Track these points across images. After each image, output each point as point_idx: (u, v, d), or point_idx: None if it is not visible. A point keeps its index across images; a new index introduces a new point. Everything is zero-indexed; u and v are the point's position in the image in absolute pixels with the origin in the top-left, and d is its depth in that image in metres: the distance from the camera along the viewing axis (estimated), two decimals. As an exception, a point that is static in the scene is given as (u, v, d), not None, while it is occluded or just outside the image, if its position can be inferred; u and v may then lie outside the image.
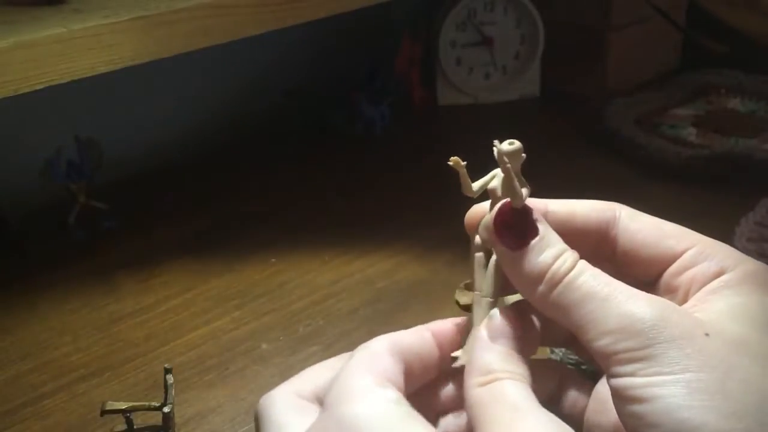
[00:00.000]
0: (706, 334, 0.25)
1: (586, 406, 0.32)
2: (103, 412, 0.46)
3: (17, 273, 0.65)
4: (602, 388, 0.31)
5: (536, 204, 0.30)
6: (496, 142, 0.28)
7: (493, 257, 0.30)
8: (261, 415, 0.29)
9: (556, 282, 0.27)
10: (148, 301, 0.61)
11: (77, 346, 0.56)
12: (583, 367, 0.39)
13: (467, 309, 0.31)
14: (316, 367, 0.31)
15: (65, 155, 0.68)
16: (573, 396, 0.33)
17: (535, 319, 0.30)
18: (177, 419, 0.48)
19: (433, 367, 0.31)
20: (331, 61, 0.93)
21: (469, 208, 0.32)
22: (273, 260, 0.65)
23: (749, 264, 0.28)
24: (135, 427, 0.47)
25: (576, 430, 0.26)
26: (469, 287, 0.31)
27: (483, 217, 0.30)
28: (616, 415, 0.26)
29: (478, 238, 0.31)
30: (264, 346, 0.55)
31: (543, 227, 0.28)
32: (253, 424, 0.47)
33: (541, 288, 0.27)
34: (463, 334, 0.31)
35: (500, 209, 0.28)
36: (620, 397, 0.25)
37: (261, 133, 0.88)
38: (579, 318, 0.26)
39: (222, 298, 0.61)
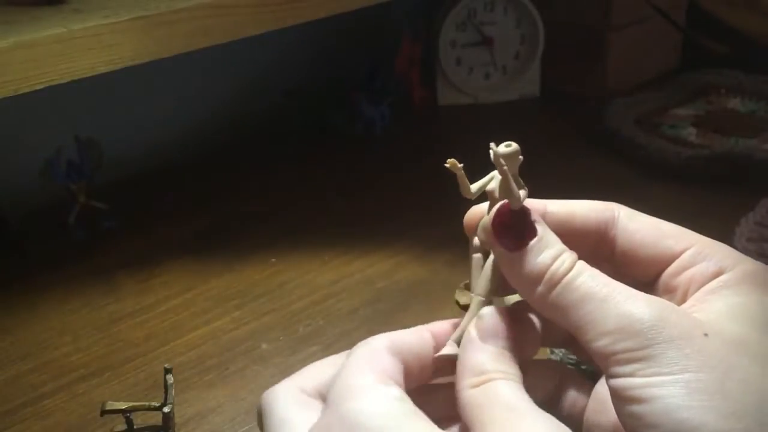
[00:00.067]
0: (705, 335, 0.25)
1: (585, 406, 0.32)
2: (103, 412, 0.46)
3: (17, 273, 0.65)
4: (602, 388, 0.31)
5: (535, 204, 0.30)
6: (492, 144, 0.28)
7: (490, 258, 0.30)
8: (264, 409, 0.29)
9: (554, 283, 0.27)
10: (148, 301, 0.61)
11: (77, 346, 0.56)
12: (583, 367, 0.39)
13: (467, 309, 0.31)
14: (319, 364, 0.31)
15: (65, 155, 0.68)
16: (573, 396, 0.33)
17: (534, 319, 0.30)
18: (177, 419, 0.48)
19: (431, 367, 0.31)
20: (331, 61, 0.93)
21: (468, 208, 0.32)
22: (273, 260, 0.65)
23: (748, 264, 0.28)
24: (135, 427, 0.47)
25: (576, 430, 0.26)
26: (469, 287, 0.31)
27: (482, 218, 0.30)
28: (616, 415, 0.26)
29: (476, 239, 0.31)
30: (264, 346, 0.55)
31: (541, 228, 0.28)
32: (253, 424, 0.48)
33: (540, 289, 0.27)
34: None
35: (498, 211, 0.28)
36: (619, 398, 0.25)
37: (261, 133, 0.88)
38: (578, 319, 0.26)
39: (222, 298, 0.61)
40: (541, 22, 0.91)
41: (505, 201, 0.29)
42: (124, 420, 0.47)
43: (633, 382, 0.24)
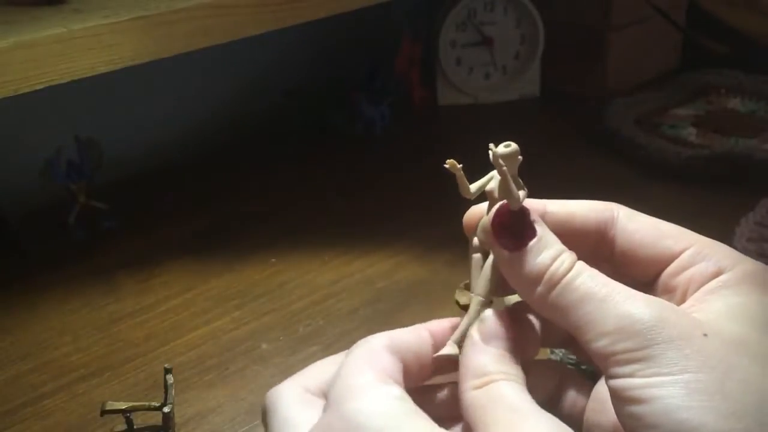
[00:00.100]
0: (705, 335, 0.25)
1: (585, 406, 0.32)
2: (103, 412, 0.46)
3: (17, 273, 0.65)
4: (602, 388, 0.31)
5: (534, 205, 0.30)
6: (491, 145, 0.28)
7: (489, 258, 0.30)
8: (268, 408, 0.29)
9: (554, 283, 0.27)
10: (148, 301, 0.61)
11: (77, 346, 0.56)
12: (583, 367, 0.39)
13: (467, 309, 0.31)
14: (322, 363, 0.31)
15: (65, 155, 0.68)
16: (573, 396, 0.33)
17: (534, 320, 0.30)
18: (177, 419, 0.48)
19: (430, 366, 0.31)
20: (331, 61, 0.93)
21: (468, 208, 0.32)
22: (273, 260, 0.65)
23: (747, 264, 0.28)
24: (135, 427, 0.47)
25: (576, 430, 0.26)
26: (469, 287, 0.31)
27: (481, 218, 0.30)
28: (616, 416, 0.26)
29: (476, 240, 0.31)
30: (264, 346, 0.55)
31: (540, 228, 0.28)
32: (253, 424, 0.48)
33: (540, 289, 0.27)
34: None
35: (498, 211, 0.28)
36: (619, 398, 0.25)
37: (261, 133, 0.88)
38: (577, 319, 0.26)
39: (222, 298, 0.61)
40: (541, 22, 0.91)
41: (505, 201, 0.29)
42: (124, 420, 0.47)
43: (632, 382, 0.24)
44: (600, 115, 0.83)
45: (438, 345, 0.31)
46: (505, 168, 0.28)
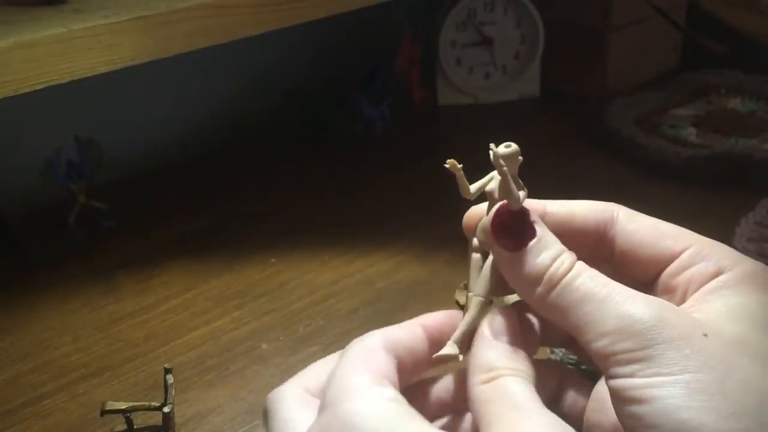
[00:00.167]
0: (705, 335, 0.25)
1: (585, 406, 0.32)
2: (103, 412, 0.46)
3: (17, 273, 0.65)
4: (602, 387, 0.31)
5: (534, 205, 0.30)
6: (492, 145, 0.28)
7: (489, 258, 0.30)
8: (269, 410, 0.29)
9: (554, 283, 0.27)
10: (148, 301, 0.61)
11: (77, 346, 0.56)
12: (583, 367, 0.39)
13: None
14: (323, 363, 0.31)
15: (65, 155, 0.68)
16: (573, 396, 0.33)
17: (533, 319, 0.30)
18: (177, 419, 0.48)
19: (425, 362, 0.31)
20: (331, 61, 0.93)
21: (468, 208, 0.32)
22: (273, 260, 0.65)
23: (747, 264, 0.28)
24: (135, 427, 0.47)
25: (576, 429, 0.26)
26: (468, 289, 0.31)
27: (481, 218, 0.30)
28: (616, 416, 0.26)
29: (475, 240, 0.31)
30: (264, 346, 0.55)
31: (540, 229, 0.28)
32: (253, 424, 0.48)
33: (539, 290, 0.27)
34: (453, 330, 0.31)
35: (497, 211, 0.28)
36: (619, 398, 0.25)
37: (261, 133, 0.88)
38: (577, 319, 0.26)
39: (222, 298, 0.61)
40: (541, 22, 0.91)
41: (505, 201, 0.29)
42: (124, 420, 0.47)
43: (633, 382, 0.24)
44: (600, 115, 0.83)
45: (432, 340, 0.31)
46: (505, 168, 0.28)
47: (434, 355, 0.30)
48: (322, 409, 0.27)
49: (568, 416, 0.32)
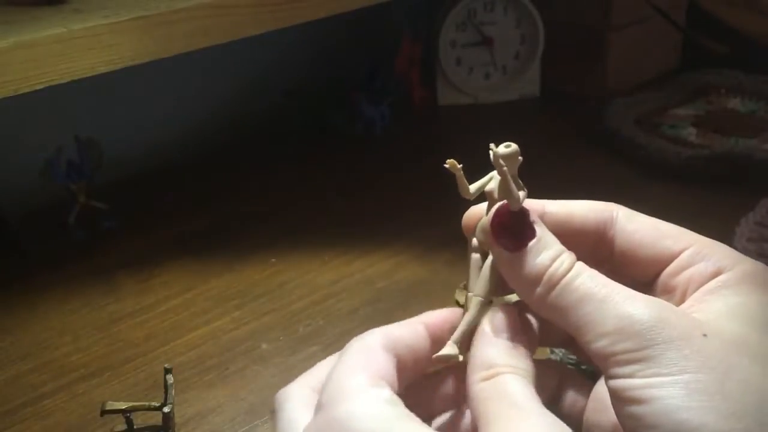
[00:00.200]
0: (704, 335, 0.25)
1: (585, 406, 0.32)
2: (103, 412, 0.46)
3: (17, 273, 0.66)
4: (601, 387, 0.31)
5: (533, 205, 0.30)
6: (492, 145, 0.28)
7: (489, 258, 0.30)
8: (276, 409, 0.29)
9: (553, 284, 0.27)
10: (148, 301, 0.61)
11: (77, 346, 0.56)
12: (583, 367, 0.39)
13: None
14: (329, 361, 0.31)
15: (65, 155, 0.68)
16: (572, 396, 0.33)
17: (532, 319, 0.30)
18: (177, 419, 0.48)
19: (426, 360, 0.31)
20: (331, 61, 0.93)
21: (468, 208, 0.32)
22: (273, 260, 0.65)
23: (747, 264, 0.28)
24: (135, 427, 0.47)
25: (575, 429, 0.26)
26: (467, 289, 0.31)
27: (480, 218, 0.30)
28: (616, 416, 0.26)
29: (475, 240, 0.31)
30: (264, 346, 0.55)
31: (540, 229, 0.28)
32: (253, 424, 0.48)
33: (539, 290, 0.27)
34: (453, 329, 0.31)
35: (497, 211, 0.28)
36: (619, 398, 0.25)
37: (261, 133, 0.88)
38: (577, 319, 0.26)
39: (222, 298, 0.61)
40: (541, 22, 0.91)
41: (504, 202, 0.29)
42: (124, 420, 0.47)
43: (632, 382, 0.24)
44: (600, 115, 0.83)
45: (434, 338, 0.31)
46: (505, 168, 0.28)
47: (434, 356, 0.30)
48: (318, 409, 0.27)
49: (568, 416, 0.32)
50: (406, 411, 0.26)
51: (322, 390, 0.28)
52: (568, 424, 0.25)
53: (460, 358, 0.30)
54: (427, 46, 0.93)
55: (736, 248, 0.29)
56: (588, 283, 0.26)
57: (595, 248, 0.30)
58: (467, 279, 0.31)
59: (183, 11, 0.53)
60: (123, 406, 0.47)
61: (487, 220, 0.29)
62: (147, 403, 0.47)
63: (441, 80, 0.94)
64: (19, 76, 0.47)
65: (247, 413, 0.49)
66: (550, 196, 0.31)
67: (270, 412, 0.30)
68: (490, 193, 0.30)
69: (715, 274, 0.27)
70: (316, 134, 0.88)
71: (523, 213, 0.28)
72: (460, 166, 0.29)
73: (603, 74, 0.92)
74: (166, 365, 0.48)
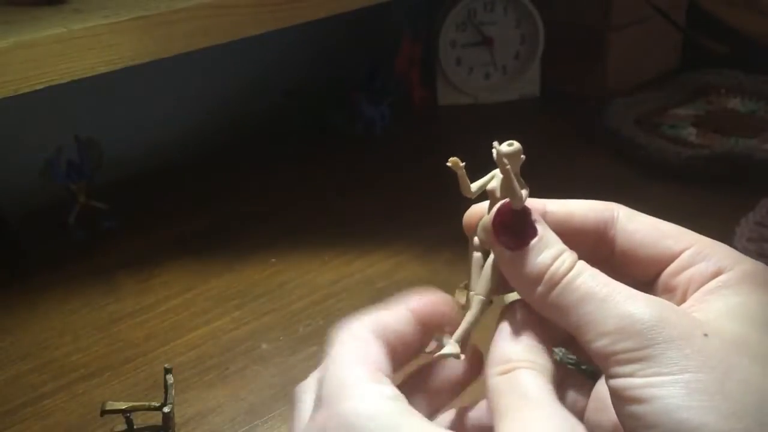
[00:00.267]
0: (705, 335, 0.25)
1: (585, 406, 0.32)
2: (103, 412, 0.46)
3: (17, 273, 0.65)
4: (602, 387, 0.31)
5: (534, 204, 0.30)
6: (495, 143, 0.28)
7: (490, 257, 0.30)
8: (295, 401, 0.29)
9: (554, 283, 0.27)
10: (148, 301, 0.61)
11: (77, 346, 0.56)
12: (583, 367, 0.39)
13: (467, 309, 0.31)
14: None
15: (65, 155, 0.68)
16: (573, 396, 0.32)
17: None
18: (177, 419, 0.48)
19: (415, 346, 0.30)
20: (331, 61, 0.93)
21: (469, 207, 0.32)
22: (273, 260, 0.65)
23: (747, 264, 0.28)
24: (135, 427, 0.47)
25: (576, 429, 0.26)
26: (469, 287, 0.31)
27: (481, 217, 0.30)
28: (616, 415, 0.26)
29: (476, 239, 0.31)
30: (264, 346, 0.55)
31: (542, 228, 0.28)
32: (253, 424, 0.48)
33: (540, 289, 0.27)
34: (447, 321, 0.31)
35: (499, 210, 0.28)
36: (619, 398, 0.25)
37: (261, 133, 0.88)
38: (578, 319, 0.26)
39: (222, 298, 0.61)
40: (541, 22, 0.91)
41: (506, 200, 0.28)
42: (124, 420, 0.47)
43: (633, 382, 0.24)
44: (600, 115, 0.83)
45: (421, 323, 0.31)
46: (508, 166, 0.28)
47: (435, 354, 0.30)
48: (318, 405, 0.27)
49: (568, 416, 0.32)
50: (410, 407, 0.26)
51: (321, 384, 0.28)
52: (578, 420, 0.25)
53: (461, 356, 0.30)
54: (427, 46, 0.93)
55: (736, 248, 0.29)
56: (589, 282, 0.26)
57: (595, 248, 0.30)
58: (468, 279, 0.31)
59: (183, 11, 0.53)
60: (123, 406, 0.47)
61: (488, 218, 0.29)
62: (147, 403, 0.47)
63: (441, 80, 0.94)
64: (19, 76, 0.47)
65: (247, 413, 0.49)
66: (550, 196, 0.31)
67: (290, 404, 0.30)
68: (492, 191, 0.30)
69: (716, 274, 0.27)
70: (316, 134, 0.88)
71: (525, 212, 0.28)
72: (462, 164, 0.29)
73: (603, 74, 0.92)
74: (166, 365, 0.48)
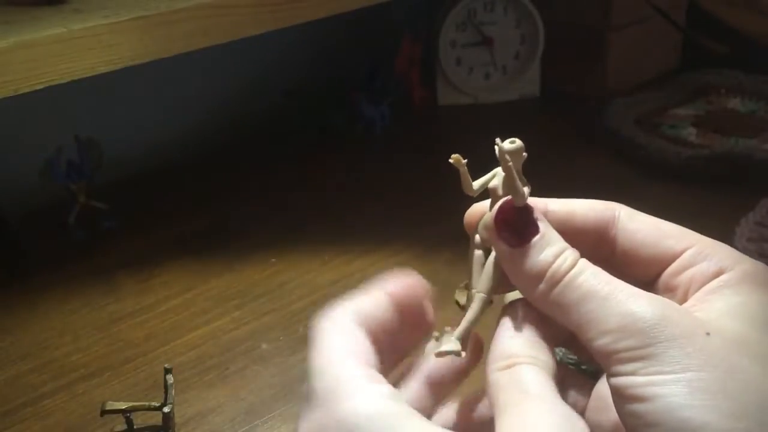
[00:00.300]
0: (707, 334, 0.25)
1: (586, 406, 0.32)
2: (103, 412, 0.46)
3: (17, 273, 0.65)
4: (602, 387, 0.31)
5: (536, 203, 0.30)
6: (497, 140, 0.28)
7: (492, 255, 0.30)
8: (317, 334, 0.29)
9: (556, 281, 0.27)
10: (148, 301, 0.61)
11: (77, 346, 0.56)
12: (583, 366, 0.39)
13: (467, 309, 0.31)
14: (373, 295, 0.30)
15: (65, 155, 0.68)
16: (573, 395, 0.32)
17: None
18: (177, 419, 0.48)
19: (394, 332, 0.30)
20: (331, 61, 0.93)
21: (469, 206, 0.32)
22: (273, 260, 0.65)
23: (748, 264, 0.28)
24: (135, 427, 0.47)
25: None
26: (469, 287, 0.31)
27: (482, 215, 0.30)
28: (617, 415, 0.26)
29: (477, 237, 0.31)
30: (264, 346, 0.55)
31: (543, 226, 0.28)
32: (253, 424, 0.48)
33: (542, 287, 0.27)
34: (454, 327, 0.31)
35: (501, 207, 0.28)
36: (620, 396, 0.25)
37: (261, 133, 0.88)
38: (579, 317, 0.26)
39: (222, 298, 0.61)
40: (541, 22, 0.91)
41: (508, 198, 0.28)
42: (124, 420, 0.47)
43: (634, 380, 0.24)
44: (600, 115, 0.83)
45: (399, 308, 0.31)
46: (511, 164, 0.28)
47: (435, 352, 0.30)
48: (313, 405, 0.27)
49: (569, 416, 0.32)
50: (409, 408, 0.26)
51: (309, 377, 0.27)
52: (579, 416, 0.25)
53: (462, 354, 0.30)
54: (427, 46, 0.93)
55: (736, 248, 0.29)
56: (591, 280, 0.26)
57: (596, 247, 0.30)
58: (468, 278, 0.31)
59: (183, 11, 0.53)
60: (123, 406, 0.47)
61: (490, 216, 0.29)
62: (147, 403, 0.47)
63: (441, 80, 0.94)
64: (19, 76, 0.47)
65: (247, 413, 0.49)
66: (550, 196, 0.31)
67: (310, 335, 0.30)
68: (494, 189, 0.30)
69: (717, 274, 0.27)
70: (316, 134, 0.88)
71: (527, 209, 0.28)
72: (464, 161, 0.29)
73: (603, 74, 0.92)
74: (166, 365, 0.48)
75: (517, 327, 0.28)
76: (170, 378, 0.47)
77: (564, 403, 0.25)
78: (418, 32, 0.92)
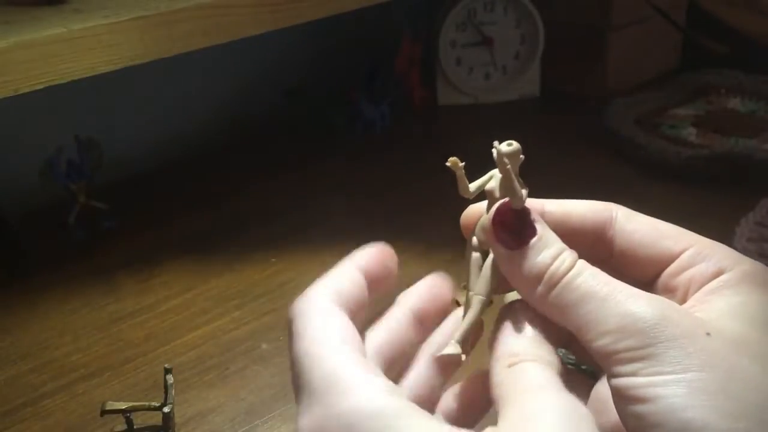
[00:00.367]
0: (707, 334, 0.25)
1: (585, 406, 0.32)
2: (103, 412, 0.46)
3: (17, 273, 0.65)
4: (602, 388, 0.31)
5: (533, 204, 0.30)
6: (495, 143, 0.28)
7: (489, 257, 0.30)
8: (295, 317, 0.29)
9: (554, 282, 0.27)
10: (148, 301, 0.61)
11: (77, 346, 0.56)
12: (583, 367, 0.39)
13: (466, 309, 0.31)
14: (344, 267, 0.30)
15: (65, 155, 0.68)
16: (573, 396, 0.32)
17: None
18: (177, 419, 0.48)
19: (367, 304, 0.30)
20: (331, 61, 0.93)
21: (467, 207, 0.32)
22: (273, 260, 0.65)
23: (747, 264, 0.28)
24: (135, 427, 0.47)
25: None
26: (468, 287, 0.31)
27: (479, 217, 0.30)
28: (617, 415, 0.26)
29: (474, 239, 0.31)
30: (264, 346, 0.55)
31: (541, 227, 0.28)
32: (253, 424, 0.48)
33: (540, 288, 0.27)
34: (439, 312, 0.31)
35: (498, 209, 0.28)
36: (621, 397, 0.25)
37: (261, 133, 0.88)
38: (578, 318, 0.26)
39: (222, 298, 0.61)
40: (541, 22, 0.91)
41: (505, 200, 0.28)
42: (124, 420, 0.47)
43: (635, 381, 0.24)
44: (600, 115, 0.83)
45: (369, 281, 0.31)
46: (509, 166, 0.28)
47: (436, 355, 0.30)
48: (313, 399, 0.26)
49: (569, 416, 0.32)
50: (408, 403, 0.26)
51: (302, 367, 0.27)
52: (584, 407, 0.25)
53: (463, 357, 0.30)
54: (427, 46, 0.93)
55: (736, 248, 0.29)
56: (590, 281, 0.26)
57: (594, 248, 0.30)
58: (466, 278, 0.31)
59: (183, 11, 0.53)
60: (123, 406, 0.47)
61: (487, 218, 0.29)
62: (147, 403, 0.47)
63: (441, 80, 0.94)
64: (19, 76, 0.47)
65: (247, 413, 0.49)
66: (549, 196, 0.31)
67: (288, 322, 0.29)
68: (491, 191, 0.30)
69: (716, 275, 0.27)
70: (316, 134, 0.88)
71: (525, 211, 0.28)
72: (462, 164, 0.29)
73: (603, 74, 0.92)
74: (166, 365, 0.48)
75: (520, 327, 0.28)
76: (170, 378, 0.47)
77: (572, 396, 0.25)
78: (418, 32, 0.92)
